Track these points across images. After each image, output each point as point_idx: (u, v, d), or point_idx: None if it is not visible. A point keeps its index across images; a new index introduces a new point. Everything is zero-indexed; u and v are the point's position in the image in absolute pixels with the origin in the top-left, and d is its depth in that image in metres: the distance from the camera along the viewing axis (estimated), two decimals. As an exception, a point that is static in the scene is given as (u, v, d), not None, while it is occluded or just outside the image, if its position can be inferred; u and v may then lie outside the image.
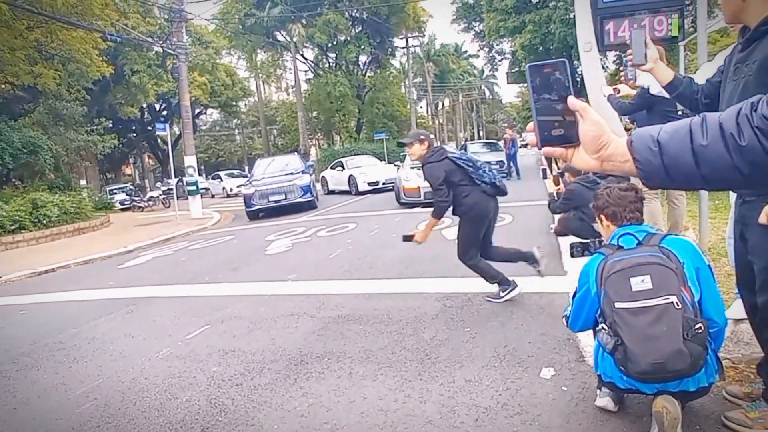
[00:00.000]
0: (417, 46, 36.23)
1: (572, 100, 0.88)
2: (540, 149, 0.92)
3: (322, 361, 3.26)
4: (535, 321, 3.58)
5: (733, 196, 3.12)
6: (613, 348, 1.99)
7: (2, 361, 3.89)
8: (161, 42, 16.87)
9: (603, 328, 2.06)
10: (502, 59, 26.94)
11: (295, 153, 17.38)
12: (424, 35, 35.97)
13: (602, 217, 2.25)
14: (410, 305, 4.23)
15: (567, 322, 2.34)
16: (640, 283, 1.97)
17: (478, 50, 27.35)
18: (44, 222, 12.65)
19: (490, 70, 43.02)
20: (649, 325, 1.93)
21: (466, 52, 49.01)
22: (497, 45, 24.34)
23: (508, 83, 28.48)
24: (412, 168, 11.67)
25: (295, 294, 4.98)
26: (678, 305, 1.92)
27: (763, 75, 1.72)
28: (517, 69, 23.19)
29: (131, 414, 2.80)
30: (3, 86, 18.57)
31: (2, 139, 12.85)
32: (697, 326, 1.91)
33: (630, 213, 2.17)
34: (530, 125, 0.92)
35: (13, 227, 11.79)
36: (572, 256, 2.65)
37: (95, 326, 4.64)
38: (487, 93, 61.36)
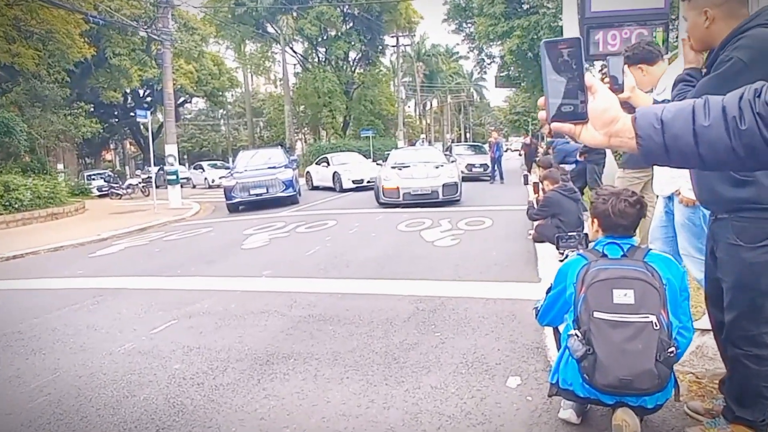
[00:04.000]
0: (407, 45, 36.18)
1: (587, 77, 0.90)
2: (549, 124, 0.95)
3: (288, 361, 3.20)
4: (506, 328, 3.57)
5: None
6: (582, 356, 1.97)
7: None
8: (146, 27, 16.52)
9: (576, 334, 2.02)
10: (491, 63, 27.06)
11: (279, 147, 17.18)
12: (414, 35, 35.94)
13: (596, 221, 2.20)
14: (383, 306, 4.19)
15: (536, 314, 2.33)
16: (623, 296, 1.94)
17: (468, 52, 27.39)
18: (15, 206, 12.28)
19: (479, 73, 43.24)
20: (626, 340, 1.91)
21: (457, 53, 49.13)
22: (487, 48, 24.41)
23: (496, 87, 28.66)
24: (393, 167, 11.45)
25: (267, 291, 4.90)
26: (656, 325, 1.90)
27: None
28: (505, 73, 23.30)
29: (85, 411, 2.70)
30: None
31: (-26, 118, 12.43)
32: (669, 349, 1.90)
33: (624, 229, 2.11)
34: (541, 100, 0.94)
35: (-18, 210, 11.43)
36: (557, 248, 2.61)
37: (58, 317, 4.49)
38: (476, 96, 61.58)
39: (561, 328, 2.34)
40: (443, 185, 10.40)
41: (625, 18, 6.52)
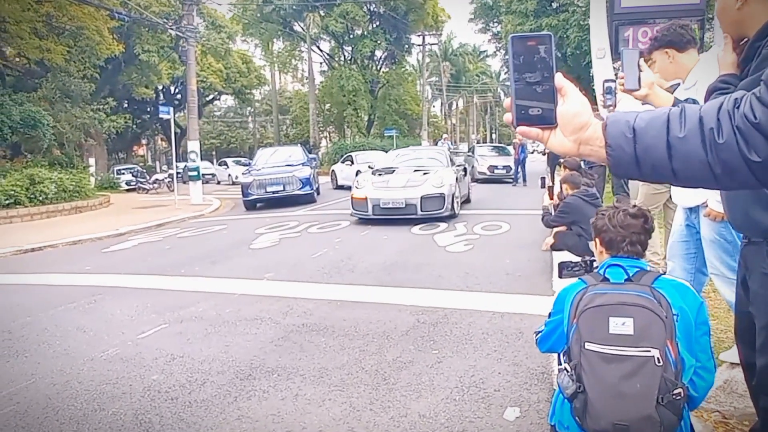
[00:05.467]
0: (434, 44, 35.71)
1: (557, 78, 0.83)
2: (515, 128, 0.88)
3: (271, 377, 2.98)
4: (510, 347, 3.27)
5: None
6: (572, 394, 1.68)
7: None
8: (173, 25, 16.68)
9: (565, 369, 1.73)
10: (518, 62, 26.31)
11: (299, 144, 17.10)
12: (441, 34, 35.43)
13: (597, 240, 1.93)
14: (382, 318, 3.94)
15: (536, 338, 2.05)
16: (621, 325, 1.64)
17: (495, 51, 26.72)
18: (40, 198, 12.53)
19: (506, 73, 42.36)
20: (622, 378, 1.61)
21: (484, 52, 48.35)
22: (513, 48, 23.76)
23: (523, 87, 27.82)
24: (374, 172, 9.78)
25: (265, 295, 4.70)
26: (659, 361, 1.59)
27: None
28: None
29: (48, 425, 2.54)
30: (17, 60, 18.57)
31: (2, 112, 12.73)
32: (676, 391, 1.58)
33: (629, 245, 1.81)
34: (507, 102, 0.87)
35: (8, 202, 11.70)
36: (560, 276, 2.33)
37: (51, 316, 4.40)
38: (503, 96, 60.57)
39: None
40: (422, 197, 8.33)
41: (656, 14, 6.10)
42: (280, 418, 2.52)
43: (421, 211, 8.33)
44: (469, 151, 19.97)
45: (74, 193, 14.00)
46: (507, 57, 0.85)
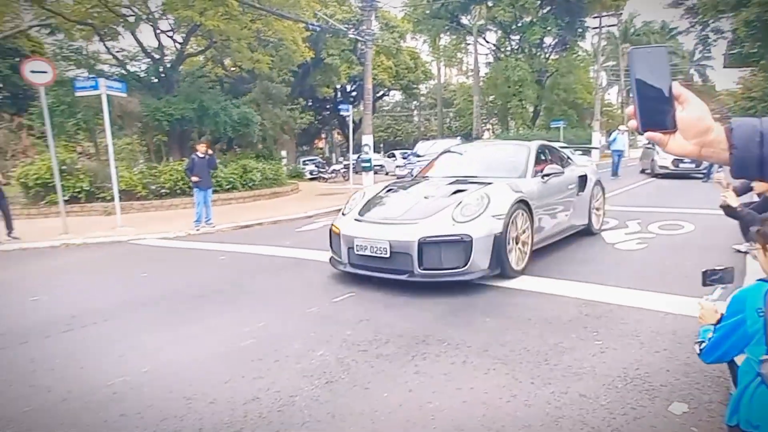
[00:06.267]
0: (613, 25, 32.54)
1: (675, 86, 0.91)
2: (642, 134, 0.96)
3: (442, 344, 3.44)
4: (684, 348, 3.19)
5: None
6: None
7: (184, 300, 4.94)
8: (354, 30, 18.42)
9: None
10: (717, 39, 22.55)
11: (458, 137, 17.42)
12: (621, 13, 32.08)
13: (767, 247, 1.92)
14: (545, 306, 4.12)
15: (699, 348, 2.09)
16: None
17: (689, 28, 23.22)
18: (249, 185, 15.20)
19: (701, 52, 36.32)
20: None
21: (675, 29, 42.28)
22: (713, 22, 20.38)
23: (724, 67, 23.82)
24: (388, 188, 6.00)
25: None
26: None
27: None
28: (738, 50, 19.25)
29: (278, 355, 3.37)
30: (233, 69, 22.54)
31: (226, 114, 15.70)
32: None
33: None
34: (629, 109, 0.96)
35: (228, 187, 14.48)
36: (704, 284, 2.24)
37: (266, 278, 5.55)
38: (697, 78, 52.19)
39: (739, 359, 2.05)
40: (421, 243, 4.62)
41: None
42: (451, 377, 2.95)
43: (421, 267, 4.65)
44: (648, 143, 17.97)
45: (273, 180, 16.60)
46: (627, 69, 0.92)
